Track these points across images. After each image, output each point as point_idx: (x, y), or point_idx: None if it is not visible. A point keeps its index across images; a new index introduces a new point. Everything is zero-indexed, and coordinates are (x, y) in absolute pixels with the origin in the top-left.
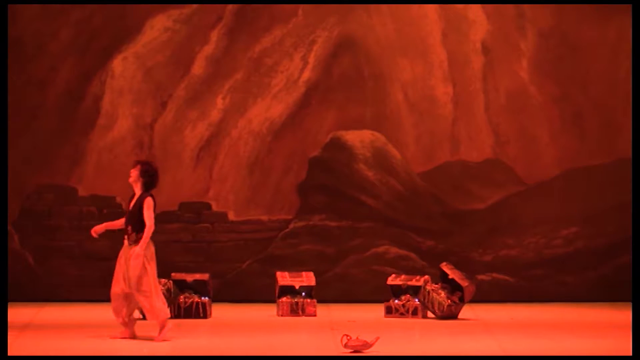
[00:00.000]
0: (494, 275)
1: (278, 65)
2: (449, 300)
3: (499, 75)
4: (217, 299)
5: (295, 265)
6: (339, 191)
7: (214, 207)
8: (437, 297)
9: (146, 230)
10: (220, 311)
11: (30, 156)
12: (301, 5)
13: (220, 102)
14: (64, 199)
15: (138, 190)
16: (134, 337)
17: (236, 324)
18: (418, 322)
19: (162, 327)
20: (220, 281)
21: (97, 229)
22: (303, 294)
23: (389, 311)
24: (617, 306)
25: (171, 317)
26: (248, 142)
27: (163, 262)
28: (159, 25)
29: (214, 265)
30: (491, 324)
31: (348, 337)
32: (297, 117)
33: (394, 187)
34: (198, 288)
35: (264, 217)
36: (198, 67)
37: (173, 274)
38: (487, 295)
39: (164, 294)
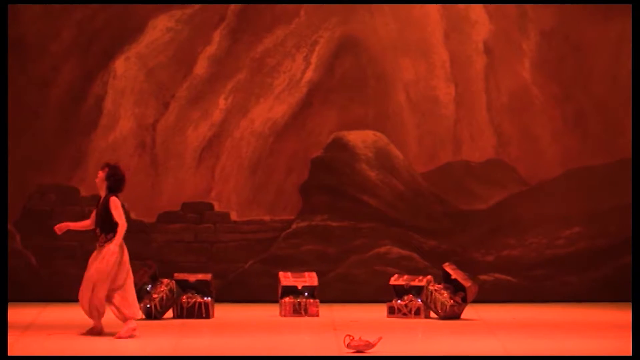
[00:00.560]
0: (496, 275)
1: (280, 65)
2: (452, 301)
3: (501, 76)
4: (220, 299)
5: (297, 265)
6: (341, 191)
7: (217, 208)
8: (440, 297)
9: (119, 229)
10: (223, 311)
11: (32, 156)
12: (303, 6)
13: (222, 103)
14: (66, 199)
15: (103, 192)
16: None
17: (238, 324)
18: (420, 323)
19: (127, 325)
20: (222, 281)
21: (61, 227)
22: (306, 294)
23: (391, 311)
24: (618, 306)
25: (174, 317)
26: (250, 143)
27: (165, 262)
28: (161, 26)
29: (217, 266)
30: (493, 324)
31: (351, 338)
32: (300, 117)
33: (396, 188)
34: (200, 288)
35: (267, 217)
36: (200, 68)
37: (175, 274)
38: (489, 295)
39: (166, 294)
